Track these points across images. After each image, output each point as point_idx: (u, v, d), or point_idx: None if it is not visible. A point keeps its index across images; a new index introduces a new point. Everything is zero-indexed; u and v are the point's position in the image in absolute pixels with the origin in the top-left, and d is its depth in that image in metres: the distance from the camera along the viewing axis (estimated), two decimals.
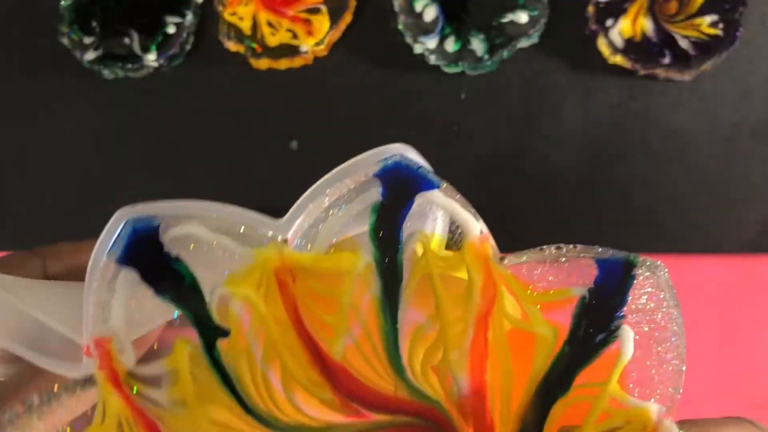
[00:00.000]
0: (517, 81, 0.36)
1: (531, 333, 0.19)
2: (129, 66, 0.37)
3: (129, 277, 0.18)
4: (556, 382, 0.19)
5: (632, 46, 0.35)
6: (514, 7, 0.36)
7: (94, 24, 0.37)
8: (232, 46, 0.37)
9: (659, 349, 0.19)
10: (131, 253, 0.19)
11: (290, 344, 0.19)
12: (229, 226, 0.19)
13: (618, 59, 0.35)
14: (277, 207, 0.38)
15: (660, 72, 0.35)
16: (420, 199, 0.19)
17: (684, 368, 0.19)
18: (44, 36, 0.38)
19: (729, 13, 0.35)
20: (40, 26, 0.39)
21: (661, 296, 0.19)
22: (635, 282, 0.19)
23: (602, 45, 0.36)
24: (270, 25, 0.36)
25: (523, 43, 0.36)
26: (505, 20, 0.35)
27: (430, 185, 0.19)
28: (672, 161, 0.35)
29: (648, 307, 0.19)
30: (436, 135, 0.36)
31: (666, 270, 0.19)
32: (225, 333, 0.18)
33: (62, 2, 0.38)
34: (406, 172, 0.19)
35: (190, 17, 0.37)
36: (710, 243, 0.34)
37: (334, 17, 0.36)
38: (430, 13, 0.36)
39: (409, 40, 0.36)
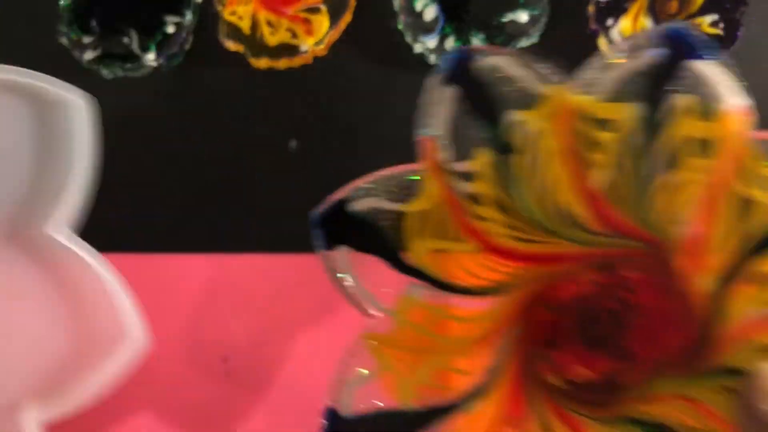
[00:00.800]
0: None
1: (758, 199, 0.22)
2: (128, 65, 0.37)
3: (451, 93, 0.24)
4: (764, 241, 0.22)
5: None
6: (514, 7, 0.36)
7: (93, 23, 0.37)
8: (231, 45, 0.37)
9: None
10: (453, 74, 0.24)
11: (563, 169, 0.23)
12: (533, 69, 0.24)
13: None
14: (276, 206, 0.38)
15: None
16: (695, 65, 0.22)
17: None
18: (43, 35, 0.38)
19: (730, 12, 0.35)
20: (38, 25, 0.39)
21: None
22: None
23: (603, 44, 0.36)
24: (269, 24, 0.36)
25: (524, 42, 0.36)
26: (505, 19, 0.35)
27: (704, 53, 0.22)
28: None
29: None
30: None
31: None
32: (515, 151, 0.24)
33: (61, 2, 0.38)
34: (685, 37, 0.23)
35: (189, 17, 0.37)
36: None
37: (334, 17, 0.36)
38: (430, 13, 0.36)
39: (409, 39, 0.36)
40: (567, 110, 0.24)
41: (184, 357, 0.36)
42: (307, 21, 0.36)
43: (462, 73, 0.24)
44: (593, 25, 0.36)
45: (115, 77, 0.38)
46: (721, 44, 0.34)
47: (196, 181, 0.37)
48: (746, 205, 0.22)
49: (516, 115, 0.24)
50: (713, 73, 0.23)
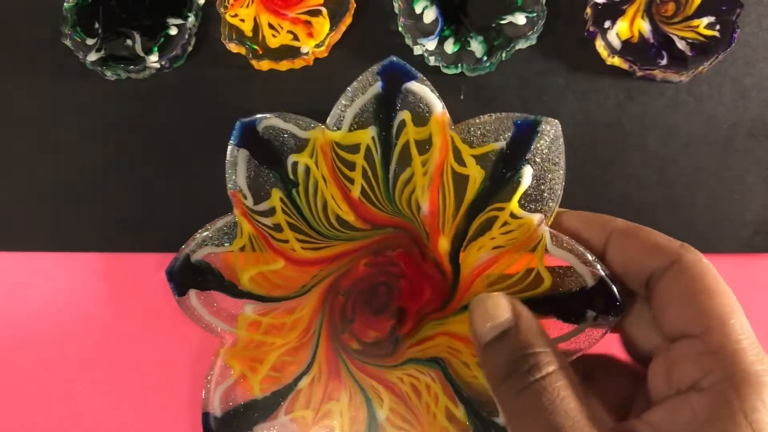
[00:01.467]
0: (515, 82, 0.37)
1: (467, 174, 0.30)
2: (131, 67, 0.37)
3: (243, 153, 0.32)
4: (478, 204, 0.30)
5: (630, 48, 0.35)
6: (512, 9, 0.36)
7: (96, 26, 0.38)
8: (233, 47, 0.37)
9: (549, 176, 0.30)
10: (242, 139, 0.32)
11: (331, 189, 0.32)
12: (295, 120, 0.32)
13: (615, 60, 0.36)
14: None
15: (657, 73, 0.35)
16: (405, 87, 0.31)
17: (561, 192, 0.29)
18: (47, 38, 0.39)
19: (726, 14, 0.35)
20: (42, 28, 0.39)
21: (554, 142, 0.30)
22: (539, 135, 0.29)
23: (600, 46, 0.36)
24: (271, 26, 0.37)
25: (522, 44, 0.36)
26: (503, 22, 0.36)
27: (412, 76, 0.31)
28: (668, 162, 0.35)
29: (544, 149, 0.30)
30: None
31: (558, 124, 0.29)
32: (296, 184, 0.32)
33: (65, 4, 0.38)
34: (398, 67, 0.31)
35: (191, 19, 0.37)
36: (706, 243, 0.35)
37: (335, 19, 0.37)
38: (430, 15, 0.36)
39: (408, 41, 0.37)
40: (326, 145, 0.31)
41: None
42: (308, 23, 0.37)
43: (249, 137, 0.32)
44: (591, 28, 0.36)
45: (118, 79, 0.38)
46: (718, 46, 0.35)
47: (197, 181, 0.37)
48: (461, 179, 0.30)
49: (292, 158, 0.32)
50: (420, 89, 0.31)
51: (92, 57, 0.37)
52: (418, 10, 0.36)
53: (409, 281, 0.32)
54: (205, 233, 0.32)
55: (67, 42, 0.38)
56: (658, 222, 0.35)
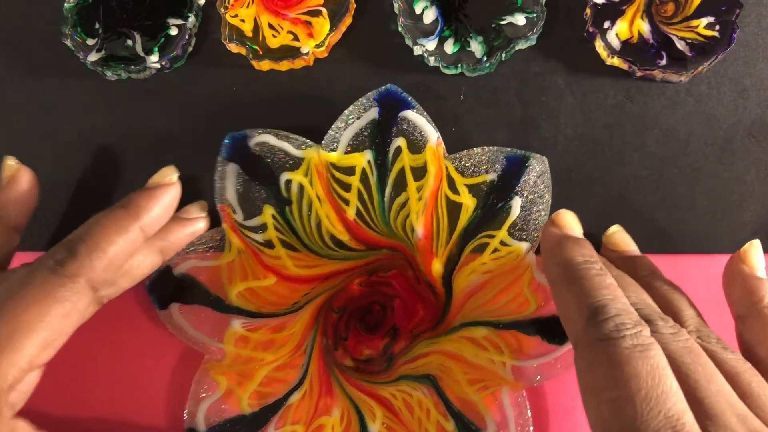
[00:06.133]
0: (515, 82, 0.37)
1: (460, 201, 0.32)
2: (132, 67, 0.37)
3: (234, 168, 0.32)
4: (470, 231, 0.32)
5: (629, 48, 0.35)
6: (512, 10, 0.36)
7: (97, 26, 0.38)
8: (233, 47, 0.37)
9: (535, 208, 0.32)
10: (232, 154, 0.32)
11: (326, 209, 0.32)
12: (287, 138, 0.33)
13: (615, 61, 0.36)
14: None
15: (657, 73, 0.35)
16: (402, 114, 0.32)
17: (547, 218, 0.32)
18: (47, 38, 0.39)
19: (726, 14, 0.35)
20: (43, 28, 0.39)
21: (540, 177, 0.32)
22: (527, 169, 0.32)
23: (599, 47, 0.36)
24: (271, 27, 0.37)
25: (521, 45, 0.36)
26: (503, 22, 0.36)
27: (408, 105, 0.32)
28: (668, 162, 0.36)
29: (531, 183, 0.32)
30: None
31: (546, 160, 0.32)
32: (290, 202, 0.32)
33: (65, 4, 0.38)
34: (395, 95, 0.33)
35: (192, 19, 0.37)
36: (706, 243, 0.35)
37: (335, 19, 0.37)
38: (430, 16, 0.36)
39: (408, 41, 0.37)
40: (321, 166, 0.32)
41: None
42: (308, 24, 0.37)
43: (239, 151, 0.32)
44: (590, 28, 0.36)
45: (118, 78, 0.38)
46: (718, 46, 0.35)
47: (197, 180, 0.37)
48: (454, 206, 0.32)
49: (286, 176, 0.32)
50: (416, 118, 0.32)
51: (93, 57, 0.37)
52: (418, 10, 0.36)
53: (403, 301, 0.33)
54: (190, 247, 0.32)
55: (68, 42, 0.38)
56: (658, 222, 0.35)
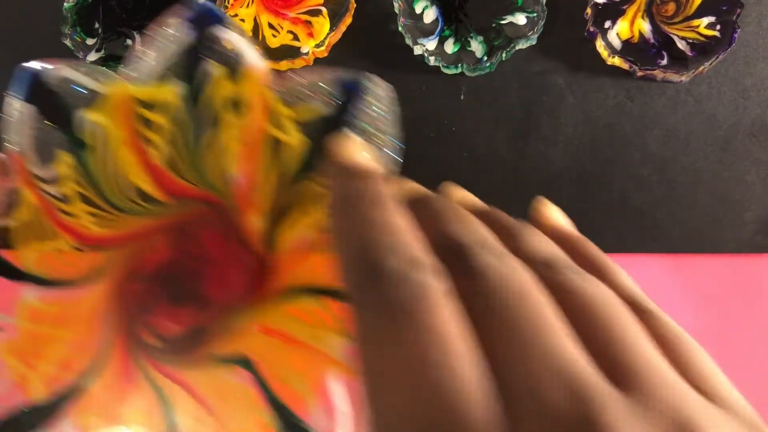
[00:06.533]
0: (515, 82, 0.37)
1: (286, 140, 0.26)
2: None
3: (29, 109, 0.27)
4: (296, 177, 0.26)
5: (630, 48, 0.35)
6: (512, 9, 0.36)
7: (96, 26, 0.38)
8: None
9: (379, 127, 0.26)
10: (27, 92, 0.27)
11: (129, 154, 0.27)
12: (93, 72, 0.27)
13: (616, 60, 0.36)
14: None
15: (657, 73, 0.35)
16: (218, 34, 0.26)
17: (395, 146, 0.26)
18: (47, 38, 0.39)
19: (726, 14, 0.35)
20: (42, 28, 0.39)
21: (379, 102, 0.26)
22: (364, 95, 0.26)
23: (600, 46, 0.36)
24: (271, 26, 0.37)
25: (522, 44, 0.36)
26: (503, 22, 0.36)
27: (219, 20, 0.26)
28: (669, 162, 0.35)
29: (372, 113, 0.26)
30: (435, 135, 0.36)
31: (386, 85, 0.26)
32: (88, 147, 0.27)
33: (65, 4, 0.38)
34: (211, 14, 0.26)
35: None
36: (706, 243, 0.35)
37: (335, 19, 0.37)
38: (430, 15, 0.36)
39: (408, 41, 0.37)
40: (122, 101, 0.27)
41: None
42: (308, 23, 0.37)
43: (35, 89, 0.27)
44: (591, 28, 0.36)
45: None
46: (719, 46, 0.35)
47: None
48: (278, 146, 0.26)
49: (84, 115, 0.27)
50: (234, 38, 0.26)
51: (92, 57, 0.37)
52: (418, 10, 0.36)
53: (216, 265, 0.28)
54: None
55: (68, 42, 0.38)
56: (658, 222, 0.35)
